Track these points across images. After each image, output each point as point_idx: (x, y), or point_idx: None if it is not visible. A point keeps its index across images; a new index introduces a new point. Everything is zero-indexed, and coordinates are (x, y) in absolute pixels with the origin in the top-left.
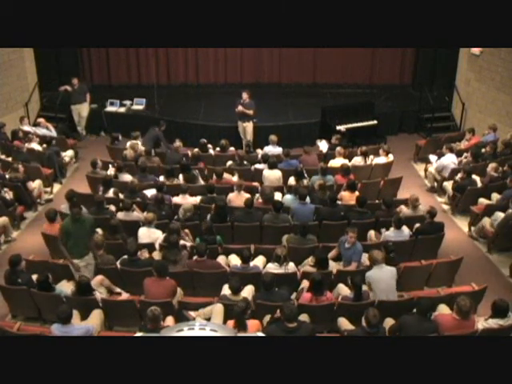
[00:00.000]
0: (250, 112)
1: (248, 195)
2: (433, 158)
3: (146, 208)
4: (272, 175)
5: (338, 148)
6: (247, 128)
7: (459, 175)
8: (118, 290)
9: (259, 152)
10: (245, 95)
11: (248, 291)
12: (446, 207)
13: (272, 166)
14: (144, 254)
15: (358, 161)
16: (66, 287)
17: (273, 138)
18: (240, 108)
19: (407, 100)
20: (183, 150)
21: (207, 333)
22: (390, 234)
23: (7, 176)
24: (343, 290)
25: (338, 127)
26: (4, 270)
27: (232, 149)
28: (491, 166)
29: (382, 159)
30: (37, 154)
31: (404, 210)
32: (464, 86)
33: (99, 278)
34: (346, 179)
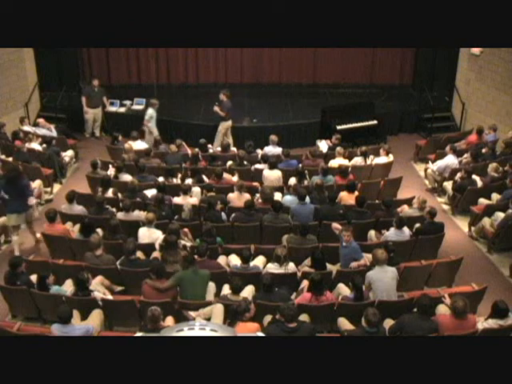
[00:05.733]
0: (223, 114)
1: (248, 196)
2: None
3: (146, 208)
4: (272, 175)
5: (338, 148)
6: (219, 128)
7: (459, 175)
8: (119, 288)
9: (259, 152)
10: (221, 95)
11: (248, 291)
12: (446, 207)
13: (272, 166)
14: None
15: (358, 161)
16: (68, 287)
17: (273, 138)
18: (215, 108)
19: (407, 100)
20: (183, 150)
21: (207, 333)
22: (390, 235)
23: None
24: (343, 289)
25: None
26: (4, 269)
27: (234, 149)
28: (492, 166)
29: (382, 159)
30: (37, 154)
31: (406, 209)
32: (464, 86)
33: (99, 278)
34: (345, 180)
